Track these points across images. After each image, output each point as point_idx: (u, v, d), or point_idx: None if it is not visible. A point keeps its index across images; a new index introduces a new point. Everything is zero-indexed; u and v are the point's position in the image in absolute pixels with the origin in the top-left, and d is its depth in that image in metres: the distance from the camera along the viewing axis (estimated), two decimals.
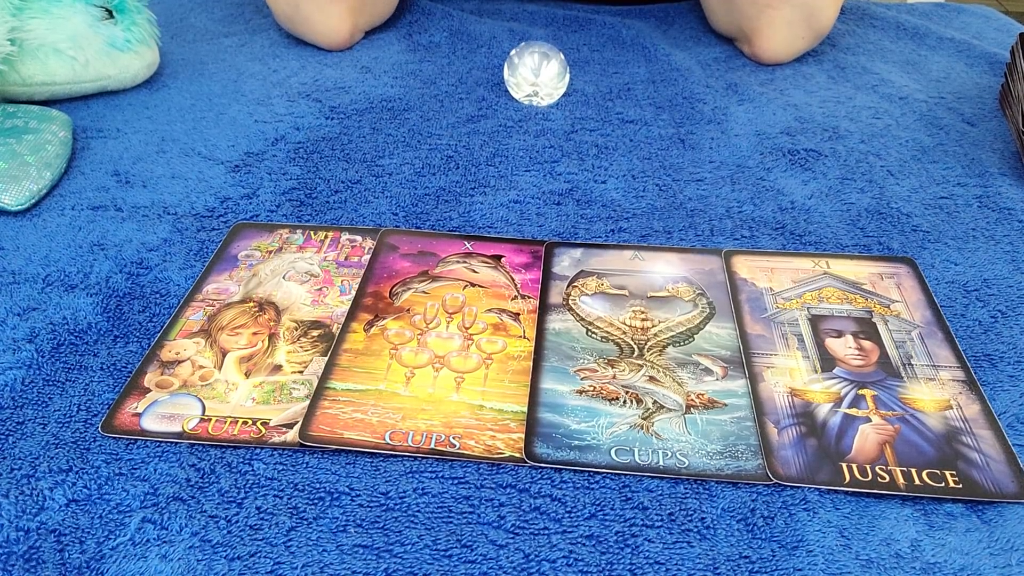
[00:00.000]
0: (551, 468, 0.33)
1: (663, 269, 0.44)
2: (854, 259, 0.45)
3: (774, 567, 0.29)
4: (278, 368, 0.37)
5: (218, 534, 0.30)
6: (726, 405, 0.36)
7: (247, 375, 0.37)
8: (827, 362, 0.38)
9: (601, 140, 0.57)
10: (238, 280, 0.43)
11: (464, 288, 0.42)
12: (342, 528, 0.31)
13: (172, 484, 0.32)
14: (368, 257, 0.44)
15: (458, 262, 0.44)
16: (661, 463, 0.33)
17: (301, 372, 0.37)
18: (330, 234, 0.46)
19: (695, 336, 0.39)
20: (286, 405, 0.35)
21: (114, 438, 0.34)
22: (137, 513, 0.31)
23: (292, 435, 0.34)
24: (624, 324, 0.40)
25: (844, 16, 0.76)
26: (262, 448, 0.34)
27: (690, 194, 0.51)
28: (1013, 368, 0.38)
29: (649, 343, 0.39)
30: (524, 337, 0.39)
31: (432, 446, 0.33)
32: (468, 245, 0.45)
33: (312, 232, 0.47)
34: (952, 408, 0.35)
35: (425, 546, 0.30)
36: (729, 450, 0.33)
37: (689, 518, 0.31)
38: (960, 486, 0.32)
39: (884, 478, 0.32)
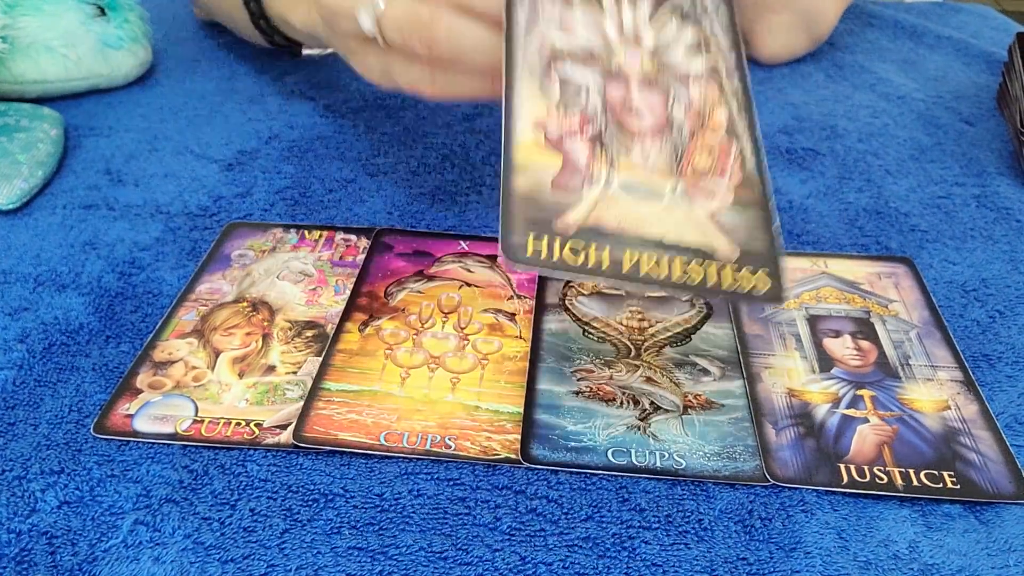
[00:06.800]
0: (547, 469, 0.33)
1: None
2: (852, 259, 0.45)
3: (772, 568, 0.29)
4: (272, 369, 0.37)
5: (211, 536, 0.30)
6: (723, 406, 0.35)
7: (240, 376, 0.37)
8: (825, 362, 0.38)
9: None
10: (231, 280, 0.42)
11: (460, 288, 0.42)
12: (336, 530, 0.30)
13: (165, 486, 0.32)
14: (363, 257, 0.44)
15: (454, 262, 0.44)
16: (658, 464, 0.33)
17: (295, 373, 0.37)
18: (324, 233, 0.46)
19: (692, 336, 0.39)
20: (280, 406, 0.35)
21: (106, 439, 0.34)
22: (129, 515, 0.31)
23: (286, 436, 0.34)
24: (621, 324, 0.40)
25: (842, 15, 0.76)
26: (255, 450, 0.33)
27: None
28: (1011, 368, 0.38)
29: (646, 344, 0.39)
30: (520, 337, 0.39)
31: (427, 447, 0.33)
32: (464, 245, 0.45)
33: (306, 231, 0.46)
34: (950, 408, 0.35)
35: (420, 548, 0.30)
36: (727, 451, 0.33)
37: (686, 520, 0.31)
38: (958, 487, 0.32)
39: (882, 479, 0.32)
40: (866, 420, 0.35)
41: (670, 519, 0.31)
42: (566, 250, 0.27)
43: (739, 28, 0.33)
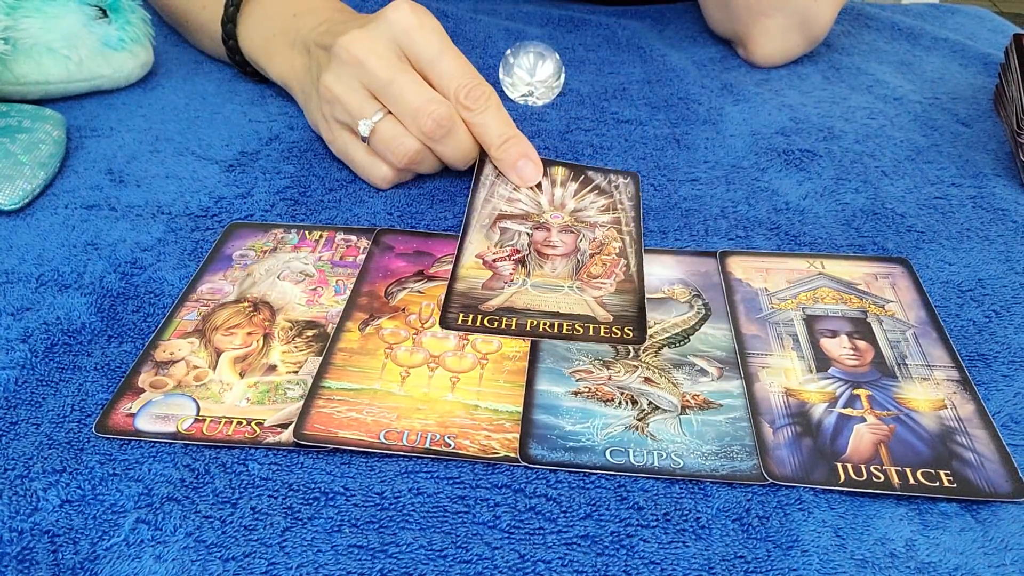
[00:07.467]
0: (546, 468, 0.33)
1: (659, 271, 0.44)
2: (849, 259, 0.45)
3: (769, 567, 0.29)
4: (273, 368, 0.37)
5: (213, 534, 0.30)
6: (721, 406, 0.36)
7: (242, 375, 0.37)
8: (822, 362, 0.38)
9: (596, 140, 0.57)
10: (232, 280, 0.43)
11: None
12: (337, 528, 0.31)
13: (166, 484, 0.32)
14: (363, 257, 0.44)
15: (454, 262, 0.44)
16: (656, 464, 0.33)
17: (296, 372, 0.37)
18: (325, 234, 0.46)
19: (690, 337, 0.39)
20: (281, 405, 0.35)
21: (108, 438, 0.34)
22: (131, 514, 0.31)
23: (287, 435, 0.34)
24: None
25: (839, 17, 0.77)
26: (256, 448, 0.34)
27: (685, 194, 0.51)
28: (1007, 368, 0.38)
29: (644, 344, 0.39)
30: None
31: (427, 446, 0.33)
32: None
33: (307, 232, 0.46)
34: (947, 408, 0.35)
35: (420, 546, 0.30)
36: (724, 450, 0.34)
37: (684, 518, 0.31)
38: (955, 486, 0.32)
39: (879, 478, 0.32)
40: (863, 419, 0.35)
41: (668, 517, 0.31)
42: (486, 320, 0.39)
43: (639, 195, 0.48)
